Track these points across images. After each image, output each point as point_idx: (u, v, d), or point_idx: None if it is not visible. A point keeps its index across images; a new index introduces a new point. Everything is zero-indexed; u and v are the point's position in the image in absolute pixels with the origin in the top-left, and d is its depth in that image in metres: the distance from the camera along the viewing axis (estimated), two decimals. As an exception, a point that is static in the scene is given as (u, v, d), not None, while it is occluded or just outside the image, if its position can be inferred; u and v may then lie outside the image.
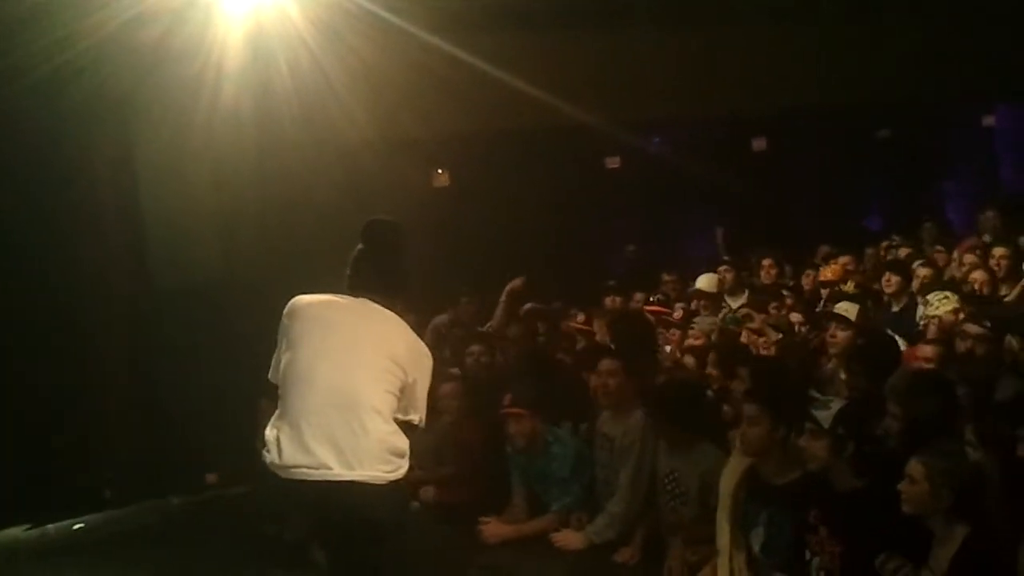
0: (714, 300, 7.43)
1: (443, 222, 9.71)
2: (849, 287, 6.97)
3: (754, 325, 6.32)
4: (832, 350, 5.65)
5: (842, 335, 5.68)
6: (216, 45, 6.80)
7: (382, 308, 3.67)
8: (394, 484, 3.59)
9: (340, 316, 3.67)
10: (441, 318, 7.90)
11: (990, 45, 10.31)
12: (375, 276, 3.69)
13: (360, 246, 3.76)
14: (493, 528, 5.08)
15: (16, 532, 5.73)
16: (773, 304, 6.71)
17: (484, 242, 9.86)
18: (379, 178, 8.62)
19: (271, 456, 3.55)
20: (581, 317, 7.74)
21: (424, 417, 3.79)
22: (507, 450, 5.31)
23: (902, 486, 3.48)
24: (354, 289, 3.71)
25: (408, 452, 3.67)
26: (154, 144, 6.94)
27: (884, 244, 9.04)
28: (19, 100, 5.94)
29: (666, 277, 8.31)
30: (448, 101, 8.67)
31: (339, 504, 3.48)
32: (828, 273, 7.79)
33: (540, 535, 5.00)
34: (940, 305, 5.82)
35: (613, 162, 10.84)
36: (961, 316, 5.58)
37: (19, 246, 6.15)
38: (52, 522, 5.77)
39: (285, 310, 3.74)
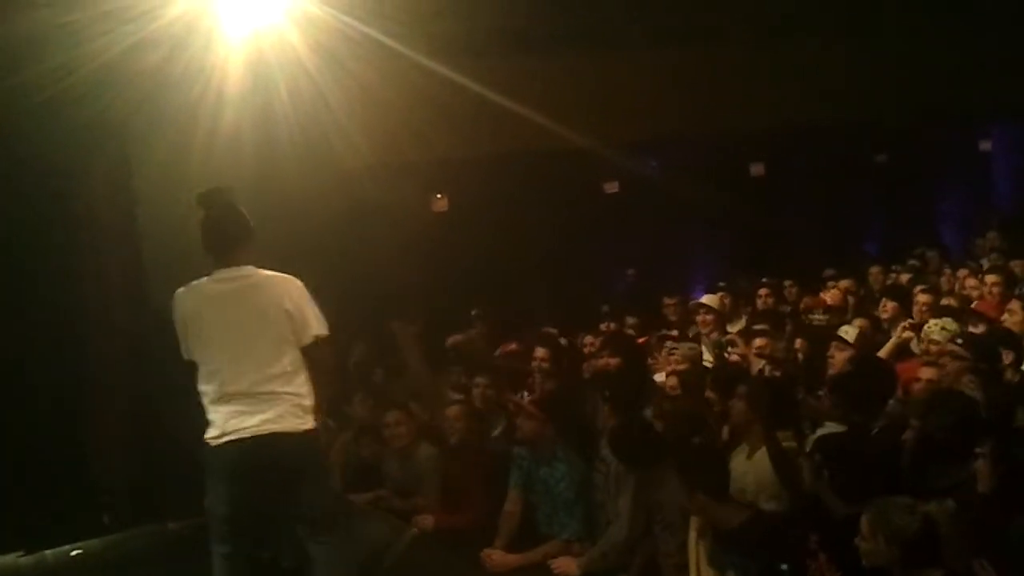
0: (719, 317, 7.43)
1: (442, 246, 9.73)
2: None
3: (739, 351, 6.37)
4: (830, 371, 5.65)
5: (840, 356, 5.70)
6: (216, 70, 6.82)
7: (247, 274, 4.15)
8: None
9: (226, 314, 4.15)
10: (456, 337, 7.88)
11: (987, 67, 10.38)
12: (230, 237, 4.17)
13: (203, 215, 4.21)
14: (499, 558, 5.08)
15: (13, 558, 5.70)
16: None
17: (483, 266, 9.87)
18: (378, 202, 8.65)
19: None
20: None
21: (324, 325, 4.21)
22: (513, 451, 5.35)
23: (857, 540, 3.48)
24: (219, 255, 4.17)
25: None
26: (153, 167, 6.95)
27: (875, 270, 9.03)
28: (20, 122, 5.97)
29: (667, 300, 8.33)
30: (447, 126, 8.72)
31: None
32: (828, 297, 7.81)
33: (543, 562, 5.00)
34: (937, 332, 5.81)
35: (612, 187, 10.86)
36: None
37: (17, 266, 6.16)
38: (50, 547, 5.75)
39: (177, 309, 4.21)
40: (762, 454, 4.57)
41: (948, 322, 5.89)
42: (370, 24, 7.28)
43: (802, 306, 8.11)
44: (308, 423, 4.18)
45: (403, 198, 9.23)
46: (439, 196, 10.14)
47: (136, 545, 5.86)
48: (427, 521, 5.52)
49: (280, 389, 4.10)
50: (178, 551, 5.57)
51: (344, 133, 7.91)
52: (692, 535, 4.45)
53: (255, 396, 4.08)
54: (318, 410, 4.28)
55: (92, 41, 6.03)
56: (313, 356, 4.19)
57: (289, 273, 4.30)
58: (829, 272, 9.11)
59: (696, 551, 4.43)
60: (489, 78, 8.43)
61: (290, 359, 4.13)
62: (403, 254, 9.15)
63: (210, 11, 6.43)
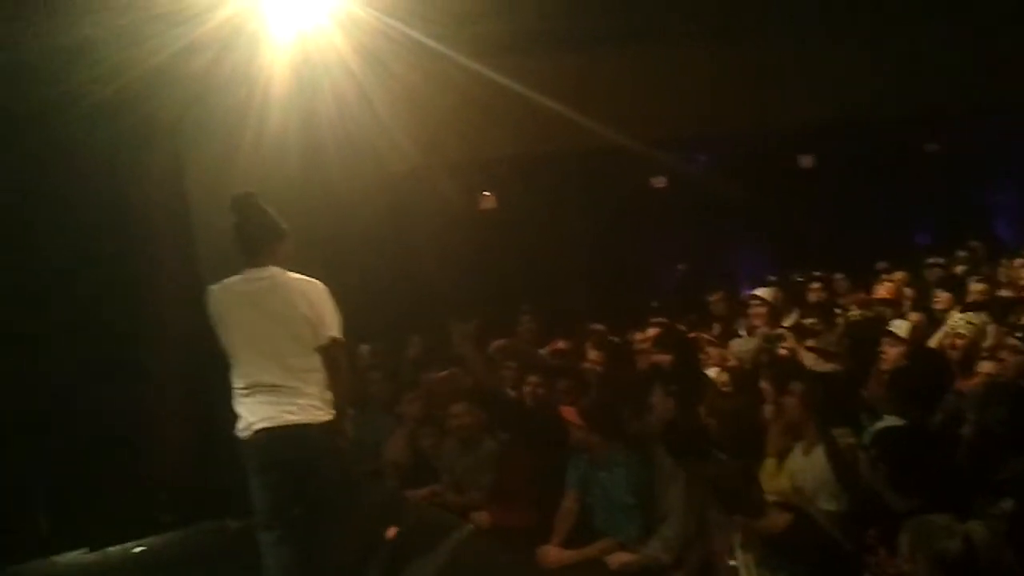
0: (773, 311, 7.35)
1: (488, 244, 9.73)
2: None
3: (789, 345, 6.29)
4: (883, 367, 5.56)
5: (893, 352, 5.60)
6: (262, 72, 6.90)
7: (273, 275, 4.38)
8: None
9: (252, 311, 4.37)
10: (500, 343, 7.89)
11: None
12: (258, 239, 4.40)
13: (235, 221, 4.44)
14: (554, 554, 5.07)
15: (79, 555, 5.80)
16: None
17: (530, 264, 9.86)
18: (424, 202, 8.68)
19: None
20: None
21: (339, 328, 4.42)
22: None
23: (898, 561, 3.42)
24: (251, 255, 4.40)
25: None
26: (203, 170, 7.05)
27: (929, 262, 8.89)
28: (75, 125, 6.07)
29: (713, 296, 8.24)
30: (491, 126, 8.71)
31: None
32: (882, 291, 7.69)
33: (597, 558, 4.98)
34: (963, 326, 5.71)
35: (659, 181, 10.80)
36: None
37: (75, 268, 6.27)
38: (113, 545, 5.85)
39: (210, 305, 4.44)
40: (819, 452, 4.50)
41: (973, 315, 5.79)
42: (413, 26, 7.30)
43: (853, 301, 7.98)
44: (326, 415, 4.39)
45: (448, 198, 9.24)
46: (486, 194, 10.13)
47: (196, 542, 5.95)
48: (483, 518, 5.54)
49: (300, 384, 4.34)
50: (237, 548, 5.62)
51: (388, 134, 7.96)
52: (737, 544, 4.38)
53: (277, 389, 4.32)
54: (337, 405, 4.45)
55: (142, 44, 6.12)
56: (328, 356, 4.39)
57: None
58: (882, 265, 8.96)
59: (744, 557, 4.36)
60: (533, 77, 8.41)
61: (308, 356, 4.35)
62: (450, 253, 9.17)
63: (257, 14, 6.49)
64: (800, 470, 4.58)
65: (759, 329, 7.06)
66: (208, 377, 6.15)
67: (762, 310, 7.29)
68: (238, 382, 4.42)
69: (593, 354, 6.42)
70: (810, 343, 6.11)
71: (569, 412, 5.36)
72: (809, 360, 6.07)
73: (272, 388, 4.33)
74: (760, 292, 7.52)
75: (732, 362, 5.92)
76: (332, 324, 4.39)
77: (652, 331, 7.04)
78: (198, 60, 6.62)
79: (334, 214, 8.20)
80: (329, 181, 8.03)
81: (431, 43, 7.66)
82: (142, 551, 5.93)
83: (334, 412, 4.42)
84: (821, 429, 4.54)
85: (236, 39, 6.56)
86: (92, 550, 5.92)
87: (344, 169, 8.12)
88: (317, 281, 4.43)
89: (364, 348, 7.86)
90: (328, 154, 7.76)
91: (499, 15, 8.69)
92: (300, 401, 4.32)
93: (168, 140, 6.98)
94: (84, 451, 6.13)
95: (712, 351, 6.38)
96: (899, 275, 8.27)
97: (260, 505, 4.42)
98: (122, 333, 6.51)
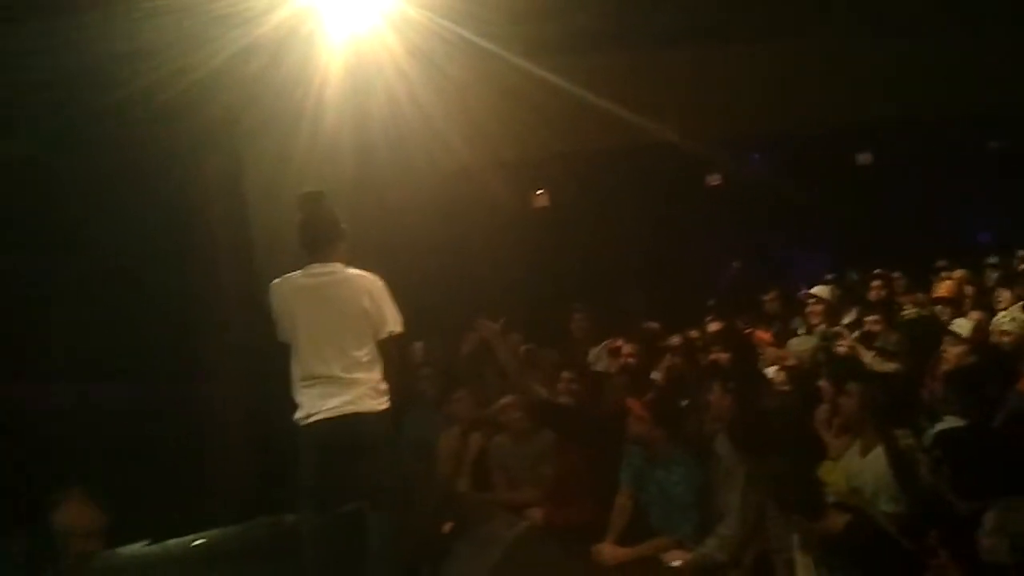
0: (830, 309, 7.26)
1: (543, 242, 9.73)
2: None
3: (845, 342, 6.21)
4: (944, 367, 5.46)
5: (953, 351, 5.50)
6: (317, 74, 6.96)
7: (335, 271, 4.53)
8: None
9: (313, 305, 4.52)
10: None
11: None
12: (323, 235, 4.56)
13: (299, 216, 4.61)
14: (609, 552, 5.07)
15: (139, 547, 5.90)
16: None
17: (584, 261, 9.84)
18: (477, 201, 8.69)
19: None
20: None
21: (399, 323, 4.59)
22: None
23: (979, 535, 3.35)
24: (314, 251, 4.56)
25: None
26: (260, 171, 7.15)
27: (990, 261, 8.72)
28: (136, 128, 6.20)
29: (768, 295, 8.15)
30: (544, 124, 8.69)
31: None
32: (942, 289, 7.55)
33: (653, 556, 4.97)
34: (1008, 323, 5.59)
35: (714, 179, 10.73)
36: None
37: (135, 267, 6.38)
38: (173, 538, 5.96)
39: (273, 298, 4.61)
40: (878, 453, 4.42)
41: (1018, 312, 5.66)
42: (466, 26, 7.31)
43: (912, 300, 7.85)
44: (383, 404, 4.56)
45: (501, 197, 9.25)
46: (539, 192, 10.14)
47: (254, 536, 6.03)
48: (537, 514, 5.55)
49: (359, 375, 4.49)
50: (291, 543, 5.70)
51: (440, 134, 7.99)
52: (795, 545, 4.34)
53: (337, 380, 4.47)
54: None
55: (202, 48, 6.22)
56: (385, 349, 4.57)
57: (387, 271, 4.64)
58: (942, 263, 8.81)
59: (803, 558, 4.32)
60: (587, 76, 8.38)
61: (367, 349, 4.52)
62: (503, 252, 9.18)
63: (312, 16, 6.55)
64: (858, 471, 4.51)
65: (817, 327, 6.97)
66: (267, 373, 6.26)
67: (819, 308, 7.21)
68: (299, 372, 4.56)
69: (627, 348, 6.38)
70: (872, 344, 6.02)
71: (634, 404, 5.35)
72: (867, 358, 6.00)
73: (331, 379, 4.47)
74: (817, 290, 7.43)
75: (792, 361, 5.84)
76: (392, 319, 4.56)
77: (713, 327, 7.00)
78: (255, 62, 6.71)
79: (387, 213, 8.27)
80: (382, 181, 8.10)
81: (484, 43, 7.66)
82: (201, 544, 6.03)
83: (389, 402, 4.58)
84: (882, 430, 4.47)
85: (292, 41, 6.63)
86: (153, 543, 6.03)
87: (396, 169, 8.17)
88: (377, 277, 4.58)
89: (418, 345, 7.91)
90: (381, 154, 7.82)
91: (552, 14, 8.67)
92: (358, 391, 4.47)
93: (226, 141, 7.08)
94: (146, 446, 6.23)
95: (769, 350, 6.31)
96: (959, 273, 8.12)
97: (307, 486, 4.55)
98: (182, 331, 6.62)
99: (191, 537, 6.07)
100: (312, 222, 4.58)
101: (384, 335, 4.54)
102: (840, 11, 9.70)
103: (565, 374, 6.34)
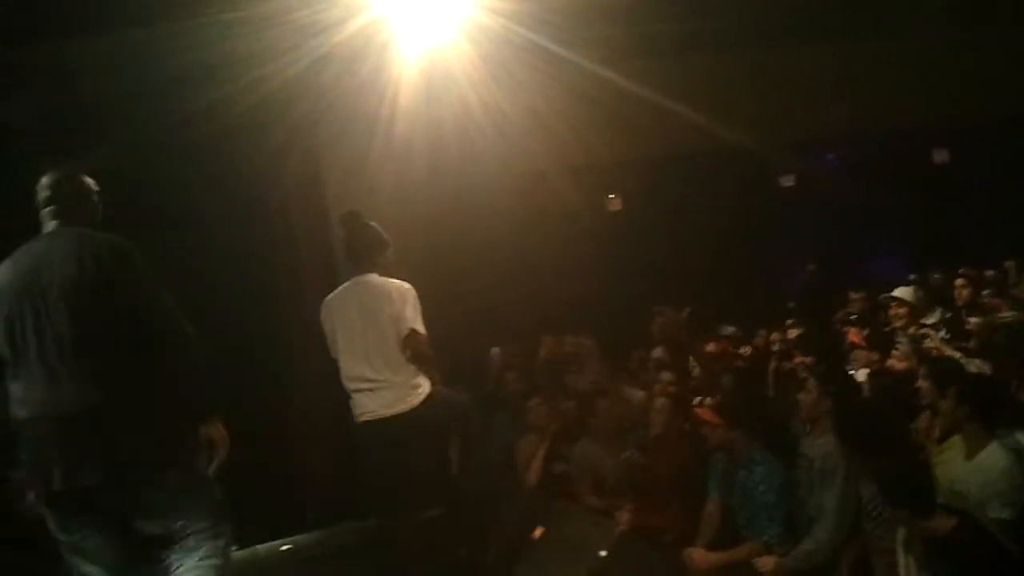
0: (913, 311, 7.08)
1: (616, 247, 9.69)
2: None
3: (933, 344, 6.04)
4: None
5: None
6: (391, 81, 7.01)
7: (369, 281, 4.84)
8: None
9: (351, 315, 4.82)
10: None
11: None
12: (362, 250, 4.90)
13: (342, 235, 5.00)
14: (700, 556, 5.05)
15: (228, 553, 5.94)
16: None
17: (658, 266, 9.77)
18: (550, 206, 8.68)
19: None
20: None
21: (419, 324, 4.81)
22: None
23: None
24: (355, 264, 4.91)
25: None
26: (336, 175, 7.22)
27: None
28: (218, 136, 6.28)
29: (854, 295, 7.99)
30: (617, 128, 8.68)
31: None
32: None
33: (745, 561, 4.91)
34: None
35: (788, 181, 10.59)
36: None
37: (218, 276, 6.45)
38: (262, 542, 6.00)
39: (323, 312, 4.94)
40: (986, 455, 4.24)
41: None
42: (539, 32, 7.33)
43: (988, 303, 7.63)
44: (418, 399, 4.79)
45: (574, 201, 9.22)
46: (612, 197, 10.11)
47: (341, 541, 6.05)
48: (624, 518, 5.49)
49: (391, 376, 4.76)
50: (375, 547, 5.72)
51: (512, 139, 8.00)
52: (899, 545, 4.23)
53: (373, 383, 4.77)
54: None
55: (281, 57, 6.32)
56: (409, 345, 4.78)
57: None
58: (1008, 264, 8.52)
59: (906, 559, 4.20)
60: (659, 80, 8.35)
61: (396, 350, 4.76)
62: (576, 256, 9.15)
63: (386, 24, 6.60)
64: (962, 475, 4.34)
65: (907, 330, 6.80)
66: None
67: (902, 310, 7.02)
68: (344, 378, 4.89)
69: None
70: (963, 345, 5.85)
71: (704, 412, 5.32)
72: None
73: (368, 382, 4.78)
74: (900, 292, 7.24)
75: (902, 363, 5.73)
76: (411, 318, 4.80)
77: (792, 332, 6.89)
78: (331, 70, 6.81)
79: (459, 218, 8.29)
80: (454, 186, 8.12)
81: (556, 48, 7.67)
82: (289, 548, 6.07)
83: (426, 392, 4.81)
84: (989, 432, 4.31)
85: (367, 49, 6.70)
86: (242, 547, 6.08)
87: (469, 174, 8.20)
88: (404, 283, 4.86)
89: (495, 351, 7.90)
90: (453, 159, 7.86)
91: (624, 19, 8.67)
92: (391, 393, 4.75)
93: (304, 148, 7.16)
94: (234, 452, 6.28)
95: (861, 352, 6.18)
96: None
97: (372, 485, 4.92)
98: (267, 334, 6.69)
99: (279, 542, 6.11)
100: (352, 238, 4.94)
101: (404, 332, 4.77)
102: (914, 10, 9.54)
103: (666, 375, 6.32)
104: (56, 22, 5.91)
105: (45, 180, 3.64)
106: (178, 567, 3.52)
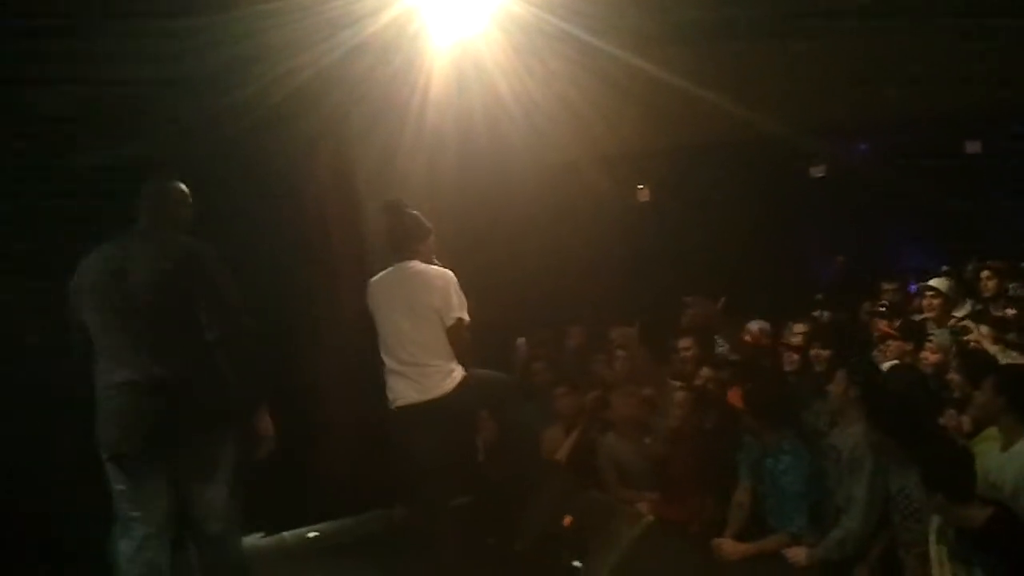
0: (947, 302, 7.03)
1: (646, 237, 9.66)
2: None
3: (972, 337, 6.00)
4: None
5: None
6: (423, 71, 7.02)
7: (411, 268, 4.99)
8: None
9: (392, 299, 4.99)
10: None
11: None
12: (404, 237, 5.05)
13: (385, 222, 5.14)
14: (730, 547, 5.07)
15: (254, 539, 6.03)
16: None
17: (687, 256, 9.75)
18: (580, 196, 8.66)
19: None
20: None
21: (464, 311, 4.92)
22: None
23: None
24: (397, 252, 5.07)
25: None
26: (367, 165, 7.24)
27: None
28: (250, 129, 6.32)
29: (886, 286, 7.95)
30: (648, 117, 8.64)
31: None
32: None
33: (774, 552, 4.90)
34: None
35: (818, 171, 10.52)
36: None
37: (253, 269, 6.49)
38: (288, 530, 6.08)
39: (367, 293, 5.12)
40: (1022, 447, 4.23)
41: None
42: (570, 20, 7.30)
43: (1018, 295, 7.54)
44: (452, 384, 4.90)
45: (605, 191, 9.22)
46: (641, 187, 10.09)
47: (367, 530, 6.13)
48: (644, 508, 5.51)
49: (428, 360, 4.89)
50: (402, 536, 5.79)
51: (543, 129, 7.99)
52: (932, 534, 4.22)
53: (409, 367, 4.90)
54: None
55: (313, 48, 6.33)
56: (452, 334, 4.91)
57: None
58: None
59: (937, 548, 4.20)
60: (690, 68, 8.27)
61: (435, 336, 4.89)
62: (606, 246, 9.14)
63: (418, 15, 6.61)
64: (997, 467, 4.33)
65: (940, 322, 6.77)
66: (380, 369, 6.33)
67: (937, 301, 6.98)
68: (384, 361, 5.02)
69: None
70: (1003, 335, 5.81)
71: (735, 396, 5.33)
72: (992, 350, 5.79)
73: (405, 365, 4.91)
74: (935, 283, 7.20)
75: (935, 356, 5.71)
76: (456, 307, 4.90)
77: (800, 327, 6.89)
78: (363, 61, 6.81)
79: (490, 208, 8.30)
80: (485, 175, 8.12)
81: (587, 37, 7.62)
82: (315, 536, 6.14)
83: (460, 376, 4.92)
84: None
85: (399, 40, 6.71)
86: (268, 534, 6.15)
87: (499, 165, 8.19)
88: (446, 271, 4.99)
89: (521, 341, 7.92)
90: (484, 149, 7.85)
91: (657, 7, 8.59)
92: (428, 380, 4.88)
93: (337, 139, 7.20)
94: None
95: (892, 344, 6.15)
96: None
97: (407, 469, 5.02)
98: (300, 323, 6.74)
99: (305, 529, 6.18)
100: (394, 226, 5.08)
101: (451, 321, 4.88)
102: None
103: (706, 371, 6.29)
104: (94, 14, 5.96)
105: (145, 186, 4.35)
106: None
